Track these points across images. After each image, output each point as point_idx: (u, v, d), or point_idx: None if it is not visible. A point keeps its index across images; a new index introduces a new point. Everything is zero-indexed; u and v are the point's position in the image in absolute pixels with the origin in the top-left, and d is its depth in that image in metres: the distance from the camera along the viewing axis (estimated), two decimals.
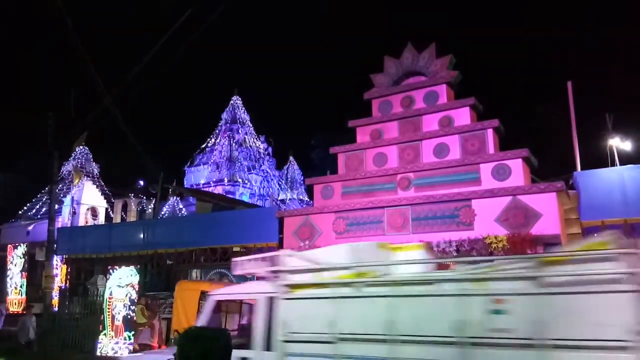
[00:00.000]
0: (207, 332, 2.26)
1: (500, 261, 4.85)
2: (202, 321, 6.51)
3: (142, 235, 16.13)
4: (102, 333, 14.52)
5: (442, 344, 4.28)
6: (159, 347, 11.53)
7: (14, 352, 7.48)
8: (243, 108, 51.98)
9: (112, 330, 14.32)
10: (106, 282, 15.34)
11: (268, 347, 5.53)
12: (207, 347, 2.16)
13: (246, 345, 5.76)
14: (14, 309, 23.46)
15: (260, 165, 49.92)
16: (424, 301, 4.60)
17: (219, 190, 43.59)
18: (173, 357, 2.21)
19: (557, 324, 3.91)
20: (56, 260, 19.74)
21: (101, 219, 28.81)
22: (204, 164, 48.98)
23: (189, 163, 50.34)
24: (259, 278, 6.49)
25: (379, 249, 5.98)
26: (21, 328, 14.27)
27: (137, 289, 14.40)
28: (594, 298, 3.82)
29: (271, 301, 5.72)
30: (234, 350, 5.87)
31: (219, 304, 6.73)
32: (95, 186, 30.54)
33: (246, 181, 47.02)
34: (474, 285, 4.44)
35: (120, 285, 14.72)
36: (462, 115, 11.98)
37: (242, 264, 6.49)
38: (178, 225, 17.23)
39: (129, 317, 13.96)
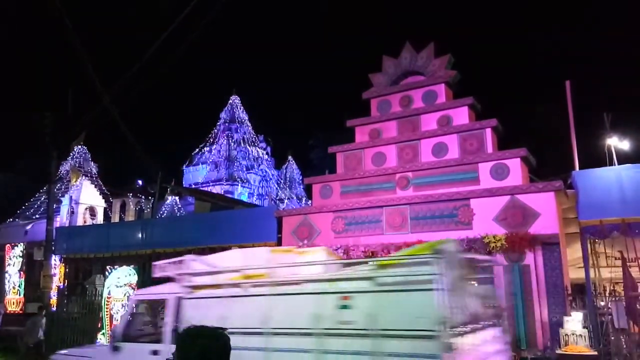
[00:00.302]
0: (206, 331, 2.25)
1: (371, 263, 5.57)
2: (123, 319, 7.21)
3: (140, 235, 16.11)
4: (100, 332, 14.50)
5: (304, 334, 4.98)
6: None
7: (11, 351, 7.50)
8: (242, 107, 52.03)
9: (111, 330, 14.31)
10: (104, 281, 15.31)
11: (175, 341, 6.06)
12: (206, 346, 2.15)
13: (160, 340, 6.54)
14: (12, 308, 23.42)
15: (259, 165, 49.95)
16: (292, 299, 5.32)
17: (217, 189, 43.60)
18: (172, 356, 2.20)
19: (386, 317, 4.60)
20: (54, 259, 19.69)
21: (99, 219, 28.77)
22: (202, 163, 49.00)
23: (187, 162, 50.35)
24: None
25: (272, 253, 6.68)
26: (31, 329, 13.98)
27: (135, 289, 14.39)
28: (412, 295, 4.53)
29: (178, 300, 6.37)
30: (148, 344, 6.46)
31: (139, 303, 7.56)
32: (93, 186, 30.50)
33: (245, 181, 47.02)
34: (329, 285, 5.19)
35: (119, 285, 14.71)
36: (461, 115, 11.99)
37: (161, 267, 7.07)
38: (176, 224, 17.21)
39: None
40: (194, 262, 6.68)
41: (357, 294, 4.87)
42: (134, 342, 7.04)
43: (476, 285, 5.78)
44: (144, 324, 7.13)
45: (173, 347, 5.92)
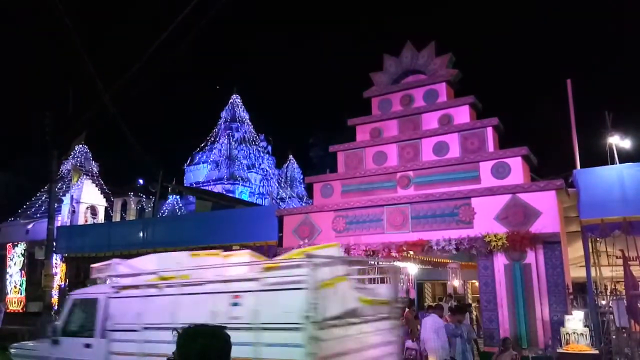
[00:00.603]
0: (206, 330, 2.25)
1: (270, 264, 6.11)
2: (62, 318, 7.89)
3: (141, 234, 16.12)
4: None
5: None
6: None
7: (7, 350, 7.70)
8: (242, 106, 51.98)
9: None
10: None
11: (104, 335, 6.93)
12: (206, 345, 2.15)
13: (92, 335, 7.23)
14: (13, 307, 23.45)
15: (260, 164, 49.92)
16: (195, 297, 5.97)
17: (218, 188, 43.59)
18: (172, 355, 2.20)
19: (266, 312, 5.23)
20: (55, 259, 19.72)
21: (100, 218, 28.78)
22: (203, 162, 48.98)
23: (188, 162, 50.33)
24: None
25: (190, 257, 7.29)
26: (40, 328, 13.94)
27: None
28: (287, 294, 5.16)
29: (106, 299, 7.09)
30: (83, 338, 7.23)
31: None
32: (94, 185, 30.50)
33: (246, 180, 47.02)
34: (224, 286, 5.83)
35: None
36: (462, 114, 11.98)
37: (97, 269, 7.82)
38: (177, 223, 17.23)
39: None
40: (119, 265, 7.56)
41: (245, 293, 5.58)
42: (71, 337, 7.66)
43: (367, 283, 6.72)
44: (81, 320, 7.80)
45: (101, 341, 6.90)
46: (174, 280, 6.38)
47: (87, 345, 7.13)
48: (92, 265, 8.08)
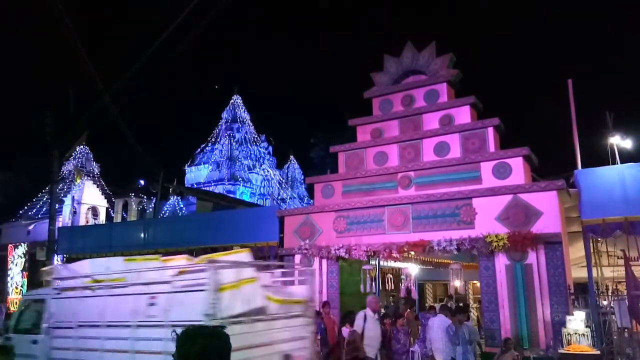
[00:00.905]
0: (206, 330, 2.26)
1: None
2: (13, 320, 8.50)
3: (142, 235, 16.13)
4: None
5: (126, 326, 6.22)
6: None
7: (6, 351, 7.88)
8: (243, 107, 52.02)
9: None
10: None
11: (48, 332, 7.51)
12: (206, 345, 2.16)
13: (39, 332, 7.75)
14: (14, 308, 23.46)
15: (261, 165, 49.93)
16: (120, 298, 6.60)
17: (219, 189, 43.61)
18: (172, 357, 2.21)
19: (175, 311, 5.78)
20: (57, 259, 19.74)
21: (102, 219, 28.82)
22: (204, 163, 49.02)
23: (189, 162, 50.37)
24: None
25: (124, 262, 7.85)
26: None
27: None
28: (192, 295, 5.75)
29: (51, 300, 7.72)
30: (31, 335, 7.74)
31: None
32: (95, 186, 30.53)
33: (247, 180, 47.04)
34: (145, 287, 6.47)
35: None
36: (463, 114, 11.97)
37: (45, 272, 8.49)
38: (179, 224, 17.23)
39: None
40: (61, 269, 8.40)
41: (160, 294, 6.19)
42: (21, 334, 8.18)
43: (279, 284, 7.40)
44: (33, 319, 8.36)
45: (47, 338, 7.42)
46: (103, 283, 7.07)
47: (34, 342, 7.71)
48: (42, 269, 8.95)
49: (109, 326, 6.46)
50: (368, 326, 9.16)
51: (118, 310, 6.44)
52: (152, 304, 6.12)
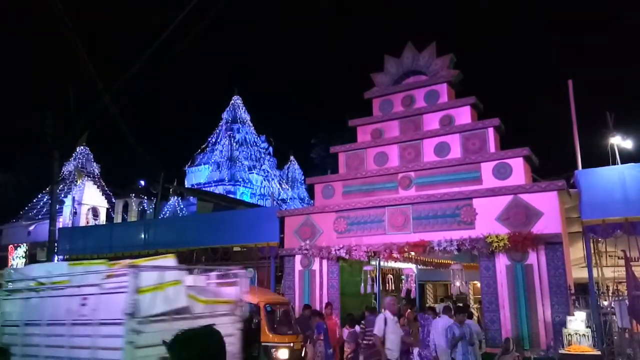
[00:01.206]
0: (202, 330, 2.29)
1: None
2: None
3: (143, 235, 16.14)
4: None
5: (62, 324, 6.93)
6: None
7: (2, 352, 7.95)
8: (244, 108, 52.03)
9: None
10: None
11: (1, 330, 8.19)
12: (205, 344, 2.18)
13: None
14: None
15: (261, 165, 49.94)
16: (58, 299, 7.33)
17: (219, 190, 43.62)
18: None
19: (103, 311, 6.52)
20: (57, 260, 19.75)
21: (102, 219, 28.86)
22: (204, 163, 49.03)
23: (189, 163, 50.37)
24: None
25: (68, 266, 8.58)
26: None
27: None
28: (117, 296, 6.38)
29: (2, 301, 8.28)
30: None
31: None
32: (96, 186, 30.58)
33: (247, 181, 47.04)
34: (77, 290, 7.13)
35: None
36: (463, 114, 11.97)
37: (1, 274, 8.96)
38: (179, 225, 17.24)
39: None
40: (12, 272, 9.03)
41: (90, 295, 6.89)
42: None
43: (209, 286, 8.00)
44: None
45: None
46: (46, 286, 7.75)
47: None
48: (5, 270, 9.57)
49: (49, 324, 7.27)
50: (389, 329, 8.85)
51: (55, 310, 7.25)
52: (83, 304, 6.95)
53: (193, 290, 7.28)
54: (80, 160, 33.45)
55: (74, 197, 27.84)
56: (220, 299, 7.68)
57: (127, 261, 8.03)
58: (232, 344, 7.38)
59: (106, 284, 6.88)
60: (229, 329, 7.41)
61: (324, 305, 11.45)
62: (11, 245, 25.62)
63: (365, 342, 9.66)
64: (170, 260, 7.78)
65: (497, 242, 10.11)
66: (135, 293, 6.27)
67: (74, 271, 8.05)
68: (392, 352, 8.87)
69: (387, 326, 8.85)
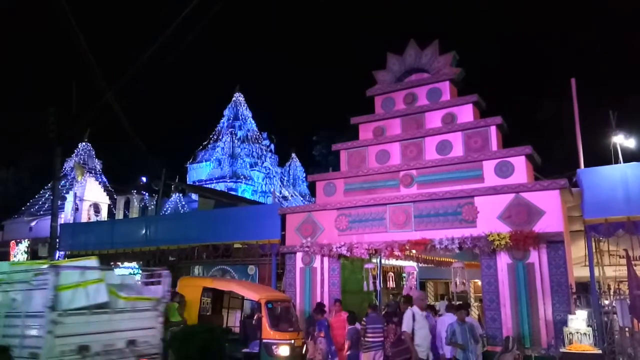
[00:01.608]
0: (202, 327, 2.29)
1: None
2: None
3: (144, 232, 16.17)
4: None
5: (4, 317, 8.05)
6: None
7: (2, 350, 8.15)
8: (245, 105, 51.91)
9: None
10: None
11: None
12: (206, 339, 2.19)
13: None
14: None
15: (263, 162, 49.87)
16: (5, 295, 8.31)
17: (221, 187, 43.60)
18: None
19: (30, 304, 7.72)
20: (58, 256, 19.79)
21: (104, 215, 28.88)
22: (206, 160, 48.96)
23: (191, 160, 50.32)
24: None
25: (10, 266, 9.58)
26: None
27: None
28: (42, 292, 7.50)
29: None
30: None
31: None
32: (97, 182, 30.60)
33: (248, 178, 47.01)
34: (13, 286, 8.34)
35: None
36: (465, 112, 11.94)
37: None
38: (180, 221, 17.24)
39: None
40: None
41: (20, 291, 8.10)
42: None
43: (141, 284, 9.33)
44: None
45: None
46: None
47: None
48: None
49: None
50: (418, 325, 8.81)
51: (2, 304, 8.28)
52: (14, 299, 8.10)
53: (115, 287, 8.30)
54: (82, 157, 33.46)
55: (75, 193, 27.84)
56: (142, 296, 8.70)
57: (62, 261, 9.18)
58: (153, 335, 8.25)
59: (34, 281, 7.97)
60: (151, 323, 8.32)
61: (328, 303, 11.43)
62: (13, 241, 25.66)
63: (366, 339, 9.68)
64: (92, 261, 8.83)
65: (499, 240, 10.10)
66: (54, 289, 7.36)
67: (14, 269, 9.22)
68: (422, 349, 8.78)
69: (415, 322, 8.79)
